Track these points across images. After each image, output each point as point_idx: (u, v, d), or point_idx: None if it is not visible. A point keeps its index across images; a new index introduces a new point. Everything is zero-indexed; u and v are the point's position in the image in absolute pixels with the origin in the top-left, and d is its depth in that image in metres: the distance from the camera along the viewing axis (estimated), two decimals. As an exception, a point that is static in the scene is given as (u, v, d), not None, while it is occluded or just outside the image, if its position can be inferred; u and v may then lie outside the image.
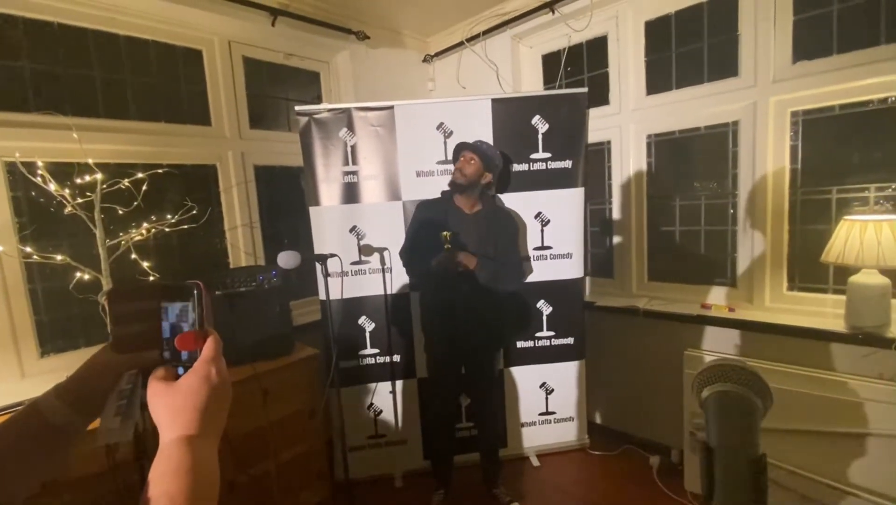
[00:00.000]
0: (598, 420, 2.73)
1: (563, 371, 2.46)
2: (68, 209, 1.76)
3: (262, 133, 2.62)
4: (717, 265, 2.33)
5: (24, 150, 1.78)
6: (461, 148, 2.03)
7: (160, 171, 2.09)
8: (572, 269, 2.37)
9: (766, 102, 2.02)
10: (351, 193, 2.25)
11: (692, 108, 2.27)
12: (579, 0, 2.45)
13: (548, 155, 2.29)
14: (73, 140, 1.85)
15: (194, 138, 2.34)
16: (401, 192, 2.26)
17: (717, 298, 2.30)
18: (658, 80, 2.39)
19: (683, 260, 2.44)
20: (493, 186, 2.12)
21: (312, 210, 2.23)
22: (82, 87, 2.01)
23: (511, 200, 2.30)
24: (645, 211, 2.52)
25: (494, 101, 2.24)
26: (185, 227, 2.12)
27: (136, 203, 1.96)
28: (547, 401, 2.49)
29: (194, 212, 2.15)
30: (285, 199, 2.76)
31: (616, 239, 2.64)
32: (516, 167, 2.30)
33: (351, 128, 2.22)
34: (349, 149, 2.23)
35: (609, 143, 2.61)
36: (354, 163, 2.24)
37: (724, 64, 2.16)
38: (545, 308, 2.40)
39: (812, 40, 1.92)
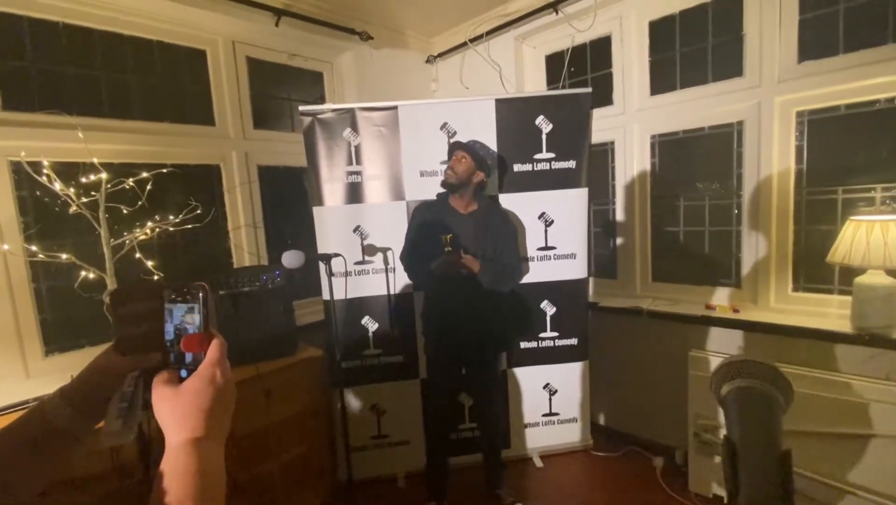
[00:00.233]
0: (601, 421, 2.72)
1: (566, 372, 2.45)
2: (73, 208, 1.76)
3: (266, 133, 2.63)
4: (721, 266, 2.32)
5: (30, 150, 1.78)
6: (454, 147, 2.04)
7: (164, 170, 2.09)
8: (576, 269, 2.36)
9: (771, 102, 2.02)
10: (354, 193, 2.25)
11: (696, 108, 2.26)
12: (583, 0, 2.45)
13: (551, 155, 2.28)
14: (78, 140, 1.86)
15: (198, 138, 2.34)
16: (404, 192, 2.26)
17: (721, 298, 2.29)
18: (662, 81, 2.39)
19: (688, 260, 2.43)
20: (486, 186, 2.11)
21: (316, 210, 2.23)
22: (87, 86, 2.02)
23: (514, 201, 2.30)
24: (649, 211, 2.52)
25: (498, 101, 2.24)
26: (189, 226, 2.13)
27: (140, 203, 1.97)
28: (550, 402, 2.48)
29: (198, 212, 2.15)
30: (289, 199, 2.76)
31: (620, 239, 2.63)
32: (520, 167, 2.29)
33: (354, 128, 2.22)
34: (353, 149, 2.23)
35: (612, 143, 2.60)
36: (358, 163, 2.24)
37: (728, 64, 2.15)
38: (549, 309, 2.39)
39: (818, 40, 1.91)
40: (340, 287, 2.14)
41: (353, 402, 2.30)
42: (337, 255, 2.00)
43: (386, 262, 2.27)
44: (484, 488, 2.24)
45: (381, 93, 2.90)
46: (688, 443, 2.13)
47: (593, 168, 2.40)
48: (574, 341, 2.42)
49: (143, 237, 1.95)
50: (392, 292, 2.29)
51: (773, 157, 2.04)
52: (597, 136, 2.51)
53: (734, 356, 0.83)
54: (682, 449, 2.28)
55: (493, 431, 2.22)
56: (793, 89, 1.96)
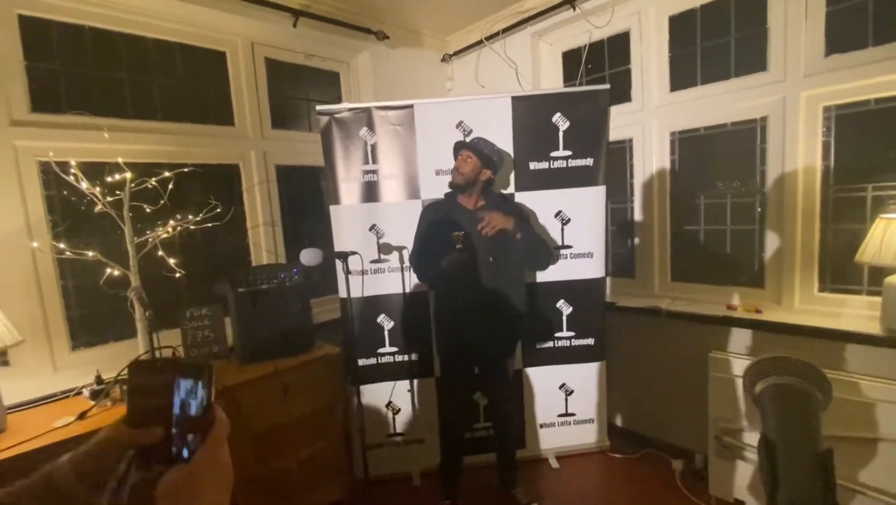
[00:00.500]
0: (618, 422, 2.69)
1: (583, 372, 2.42)
2: (98, 207, 1.81)
3: (284, 133, 2.66)
4: (743, 265, 2.26)
5: (58, 150, 1.84)
6: (458, 147, 2.04)
7: (186, 170, 2.14)
8: (593, 268, 2.33)
9: (796, 97, 1.96)
10: (371, 192, 2.26)
11: (718, 103, 2.21)
12: (601, -4, 2.42)
13: (568, 153, 2.26)
14: (103, 140, 1.91)
15: (218, 138, 2.39)
16: (420, 190, 2.27)
17: (743, 299, 2.23)
18: (682, 76, 2.34)
19: (708, 260, 2.38)
20: (494, 182, 2.09)
21: (333, 209, 2.25)
22: (112, 88, 2.08)
23: (530, 199, 2.28)
24: (668, 209, 2.47)
25: (515, 98, 2.23)
26: (209, 225, 2.16)
27: (162, 201, 2.01)
28: (566, 402, 2.45)
29: (218, 210, 2.19)
30: (306, 198, 2.79)
31: (638, 238, 2.59)
32: (536, 165, 2.27)
33: (371, 127, 2.23)
34: (369, 148, 2.24)
35: (631, 140, 2.56)
36: (374, 162, 2.25)
37: (751, 58, 2.10)
38: (565, 308, 2.37)
39: (846, 32, 1.85)
40: (356, 285, 2.16)
41: (369, 399, 2.32)
42: (354, 252, 2.01)
43: (401, 260, 2.28)
44: (498, 488, 2.23)
45: (397, 92, 2.91)
46: (707, 446, 2.08)
47: (611, 166, 2.36)
48: (591, 341, 2.39)
49: (164, 235, 1.99)
50: (407, 290, 2.30)
51: (799, 154, 1.99)
52: (615, 134, 2.47)
53: (769, 354, 0.80)
54: (702, 452, 2.24)
55: (506, 431, 2.21)
56: (820, 84, 1.90)
